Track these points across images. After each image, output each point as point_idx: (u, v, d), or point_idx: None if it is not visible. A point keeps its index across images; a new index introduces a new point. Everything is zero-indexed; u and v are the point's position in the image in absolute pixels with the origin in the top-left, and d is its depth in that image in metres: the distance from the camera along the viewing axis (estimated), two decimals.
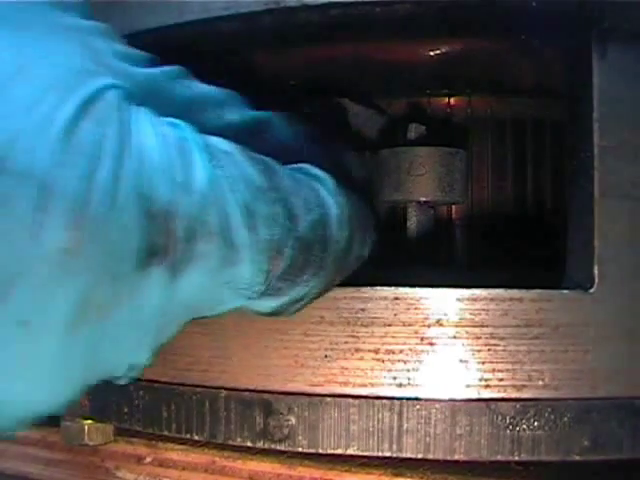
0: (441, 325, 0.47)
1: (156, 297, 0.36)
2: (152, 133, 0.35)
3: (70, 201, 0.31)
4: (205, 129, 0.39)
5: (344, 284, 0.48)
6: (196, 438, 0.52)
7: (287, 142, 0.50)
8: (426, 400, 0.47)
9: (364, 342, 0.48)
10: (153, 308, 0.36)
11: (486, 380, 0.47)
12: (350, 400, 0.48)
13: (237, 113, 0.46)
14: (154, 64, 0.42)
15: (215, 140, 0.38)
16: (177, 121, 0.37)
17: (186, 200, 0.35)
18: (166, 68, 0.42)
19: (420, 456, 0.48)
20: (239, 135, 0.41)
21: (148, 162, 0.34)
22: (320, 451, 0.49)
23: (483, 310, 0.47)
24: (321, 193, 0.44)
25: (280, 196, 0.40)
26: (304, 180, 0.43)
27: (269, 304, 0.43)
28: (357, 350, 0.48)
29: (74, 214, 0.31)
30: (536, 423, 0.47)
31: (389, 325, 0.48)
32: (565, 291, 0.48)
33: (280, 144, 0.48)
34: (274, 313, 0.44)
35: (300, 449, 0.49)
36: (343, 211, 0.44)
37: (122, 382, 0.39)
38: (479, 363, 0.47)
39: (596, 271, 0.47)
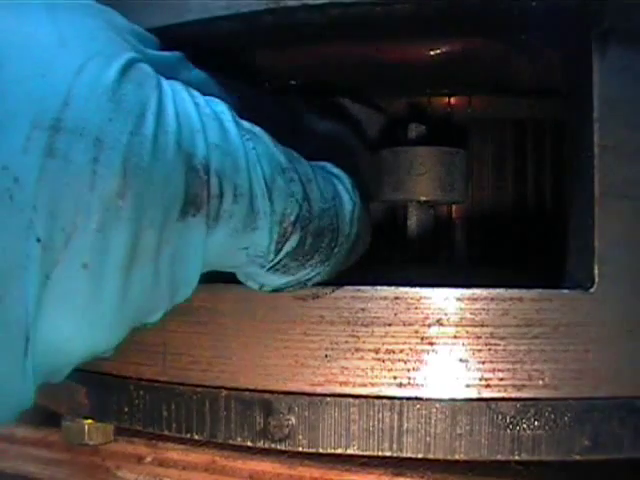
0: (441, 325, 0.47)
1: (194, 247, 0.39)
2: (189, 100, 0.39)
3: (120, 152, 0.35)
4: None
5: (344, 284, 0.48)
6: (196, 438, 0.52)
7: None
8: (426, 400, 0.47)
9: (364, 342, 0.48)
10: (192, 258, 0.39)
11: (486, 380, 0.47)
12: (350, 400, 0.48)
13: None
14: (160, 47, 0.46)
15: (244, 121, 0.42)
16: (210, 97, 0.41)
17: (221, 160, 0.39)
18: (173, 53, 0.46)
19: (420, 456, 0.48)
20: None
21: (187, 123, 0.38)
22: (320, 451, 0.49)
23: (483, 310, 0.47)
24: (338, 188, 0.47)
25: (299, 177, 0.43)
26: (323, 174, 0.47)
27: (275, 280, 0.46)
28: (357, 350, 0.48)
29: (124, 164, 0.35)
30: (536, 423, 0.47)
31: (389, 325, 0.48)
32: (565, 291, 0.48)
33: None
34: (276, 290, 0.47)
35: (300, 449, 0.49)
36: (355, 209, 0.48)
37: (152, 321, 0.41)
38: (479, 363, 0.47)
39: (596, 271, 0.47)
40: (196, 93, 0.40)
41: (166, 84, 0.38)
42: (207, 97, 0.41)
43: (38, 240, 0.33)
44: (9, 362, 0.34)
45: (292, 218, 0.42)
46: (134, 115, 0.36)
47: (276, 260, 0.43)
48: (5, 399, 0.36)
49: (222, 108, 0.41)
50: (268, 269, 0.44)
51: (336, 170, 0.49)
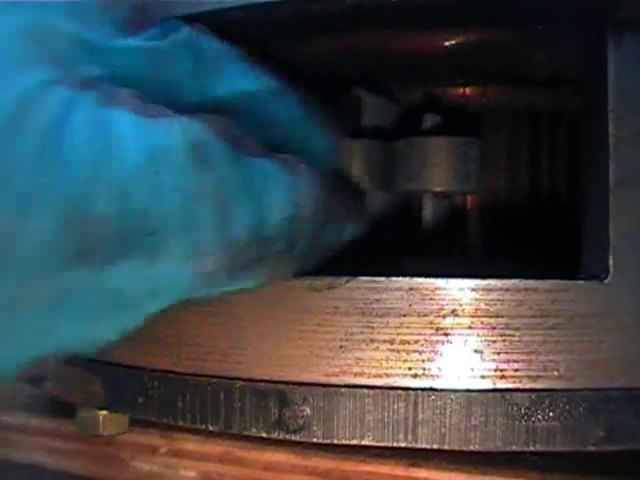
0: (456, 315, 0.47)
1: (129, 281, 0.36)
2: (131, 134, 0.34)
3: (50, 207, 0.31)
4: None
5: (359, 274, 0.48)
6: (211, 429, 0.52)
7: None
8: (441, 391, 0.47)
9: (379, 333, 0.48)
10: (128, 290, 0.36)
11: (501, 371, 0.47)
12: (365, 391, 0.48)
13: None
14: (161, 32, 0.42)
15: (204, 135, 0.37)
16: (166, 115, 0.37)
17: (159, 207, 0.35)
18: (171, 37, 0.42)
19: (435, 447, 0.48)
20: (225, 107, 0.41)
21: (119, 169, 0.33)
22: (335, 442, 0.49)
23: (498, 300, 0.47)
24: (299, 188, 0.42)
25: (253, 195, 0.39)
26: (283, 174, 0.42)
27: (234, 286, 0.42)
28: (372, 341, 0.48)
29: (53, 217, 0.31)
30: (551, 414, 0.47)
31: (404, 315, 0.48)
32: (580, 281, 0.47)
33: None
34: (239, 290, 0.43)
35: (315, 440, 0.49)
36: (317, 205, 0.43)
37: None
38: (494, 353, 0.47)
39: (611, 261, 0.47)
40: (142, 119, 0.35)
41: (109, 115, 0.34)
42: (162, 116, 0.36)
43: None
44: None
45: (241, 241, 0.39)
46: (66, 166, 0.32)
47: (226, 275, 0.40)
48: None
49: (178, 128, 0.36)
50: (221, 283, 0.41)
51: (297, 164, 0.43)
